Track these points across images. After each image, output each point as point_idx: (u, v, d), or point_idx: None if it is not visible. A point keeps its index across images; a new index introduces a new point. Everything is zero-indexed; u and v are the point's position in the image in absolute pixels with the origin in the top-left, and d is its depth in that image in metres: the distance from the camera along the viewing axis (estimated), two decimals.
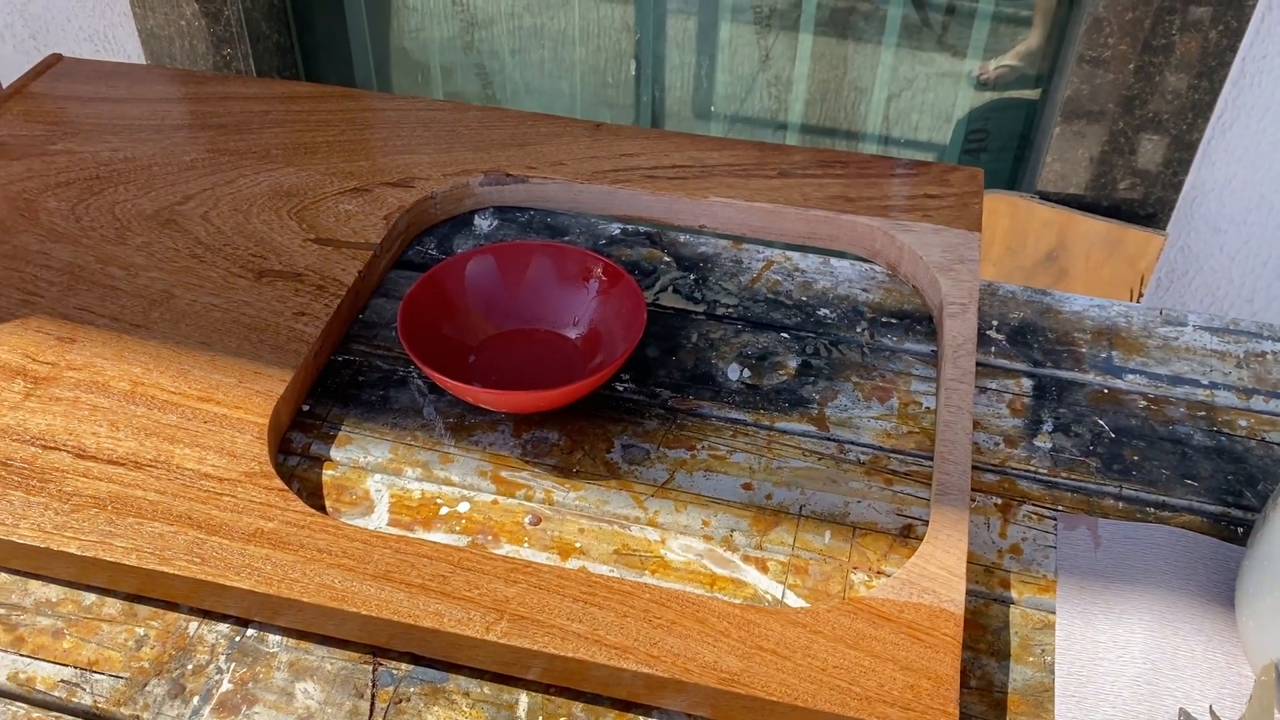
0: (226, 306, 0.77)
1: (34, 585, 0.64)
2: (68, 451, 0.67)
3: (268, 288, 0.79)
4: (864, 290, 0.85)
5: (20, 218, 0.85)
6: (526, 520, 0.68)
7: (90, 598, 0.64)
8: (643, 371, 0.78)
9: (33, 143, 0.93)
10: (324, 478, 0.70)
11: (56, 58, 1.05)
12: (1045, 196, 1.56)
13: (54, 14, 1.57)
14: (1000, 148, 1.71)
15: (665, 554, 0.66)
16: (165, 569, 0.60)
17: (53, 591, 0.64)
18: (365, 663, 0.61)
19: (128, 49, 1.57)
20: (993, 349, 0.80)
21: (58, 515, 0.63)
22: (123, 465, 0.66)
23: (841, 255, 0.89)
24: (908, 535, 0.67)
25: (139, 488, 0.65)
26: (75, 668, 0.60)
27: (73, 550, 0.61)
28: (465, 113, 0.98)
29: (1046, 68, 1.59)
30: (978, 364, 0.79)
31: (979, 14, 1.61)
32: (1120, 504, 0.70)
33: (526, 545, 0.66)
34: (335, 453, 0.72)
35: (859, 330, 0.81)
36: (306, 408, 0.75)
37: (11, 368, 0.72)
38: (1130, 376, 0.78)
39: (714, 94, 1.80)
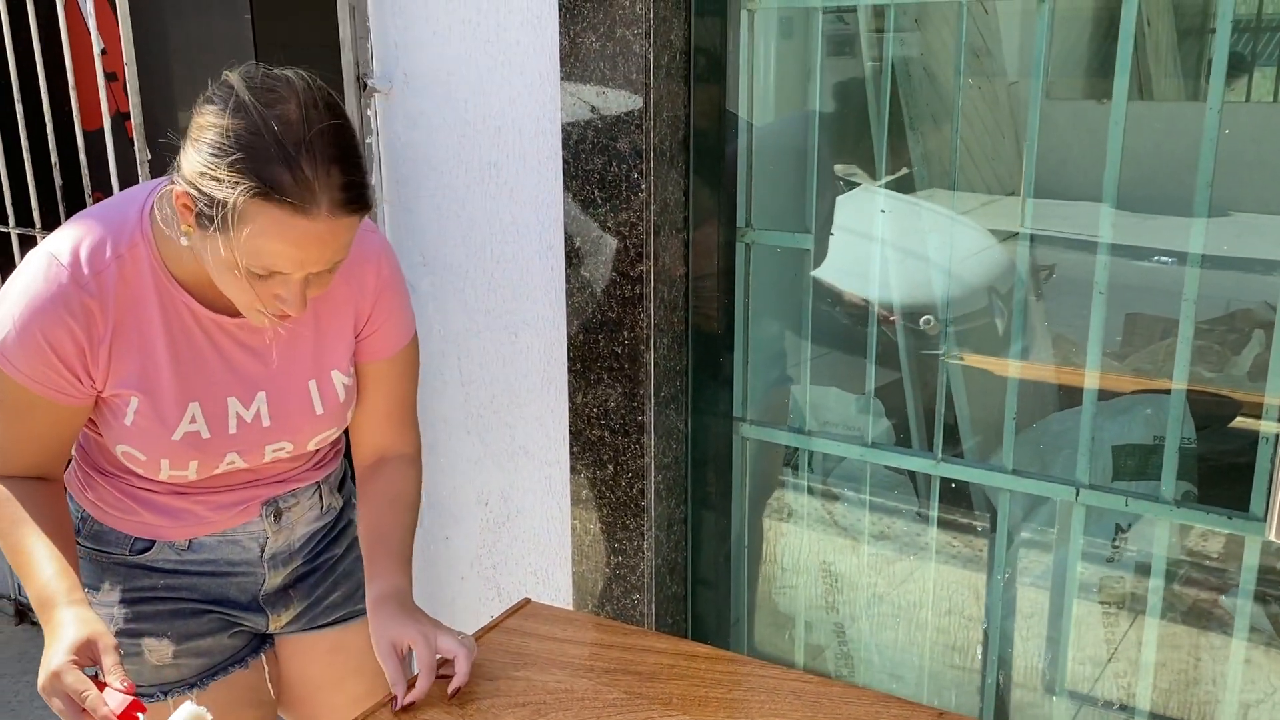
0: None
1: None
2: None
3: None
4: None
5: None
6: None
7: None
8: None
9: (501, 668, 1.24)
10: None
11: (526, 601, 1.40)
12: None
13: (511, 551, 2.03)
14: None
15: None
16: None
17: None
18: None
19: (560, 586, 1.98)
20: None
21: None
22: None
23: None
24: None
25: None
26: None
27: None
28: (829, 687, 1.18)
29: None
30: None
31: None
32: None
33: None
34: None
35: None
36: None
37: None
38: None
39: (1062, 674, 1.87)
